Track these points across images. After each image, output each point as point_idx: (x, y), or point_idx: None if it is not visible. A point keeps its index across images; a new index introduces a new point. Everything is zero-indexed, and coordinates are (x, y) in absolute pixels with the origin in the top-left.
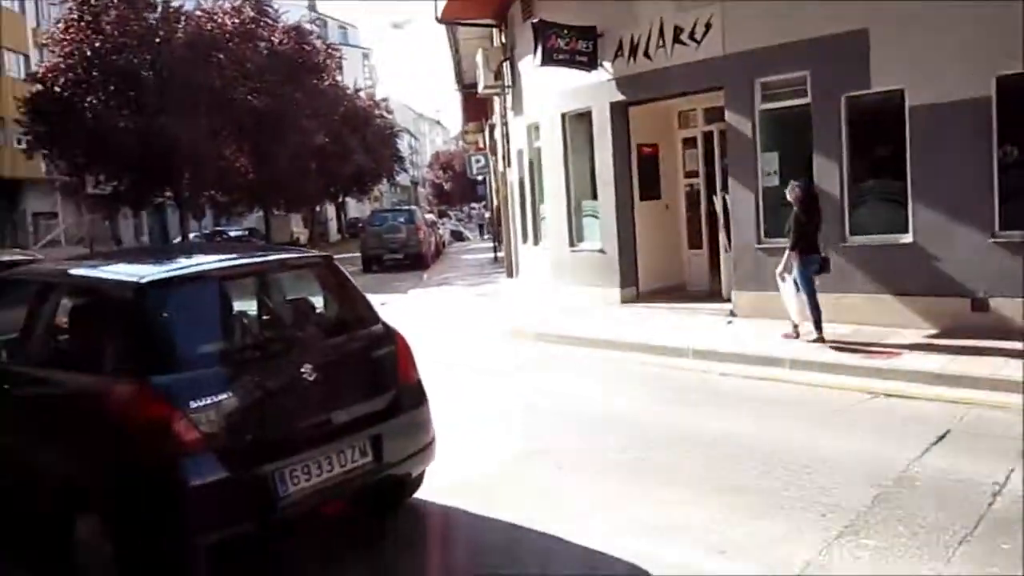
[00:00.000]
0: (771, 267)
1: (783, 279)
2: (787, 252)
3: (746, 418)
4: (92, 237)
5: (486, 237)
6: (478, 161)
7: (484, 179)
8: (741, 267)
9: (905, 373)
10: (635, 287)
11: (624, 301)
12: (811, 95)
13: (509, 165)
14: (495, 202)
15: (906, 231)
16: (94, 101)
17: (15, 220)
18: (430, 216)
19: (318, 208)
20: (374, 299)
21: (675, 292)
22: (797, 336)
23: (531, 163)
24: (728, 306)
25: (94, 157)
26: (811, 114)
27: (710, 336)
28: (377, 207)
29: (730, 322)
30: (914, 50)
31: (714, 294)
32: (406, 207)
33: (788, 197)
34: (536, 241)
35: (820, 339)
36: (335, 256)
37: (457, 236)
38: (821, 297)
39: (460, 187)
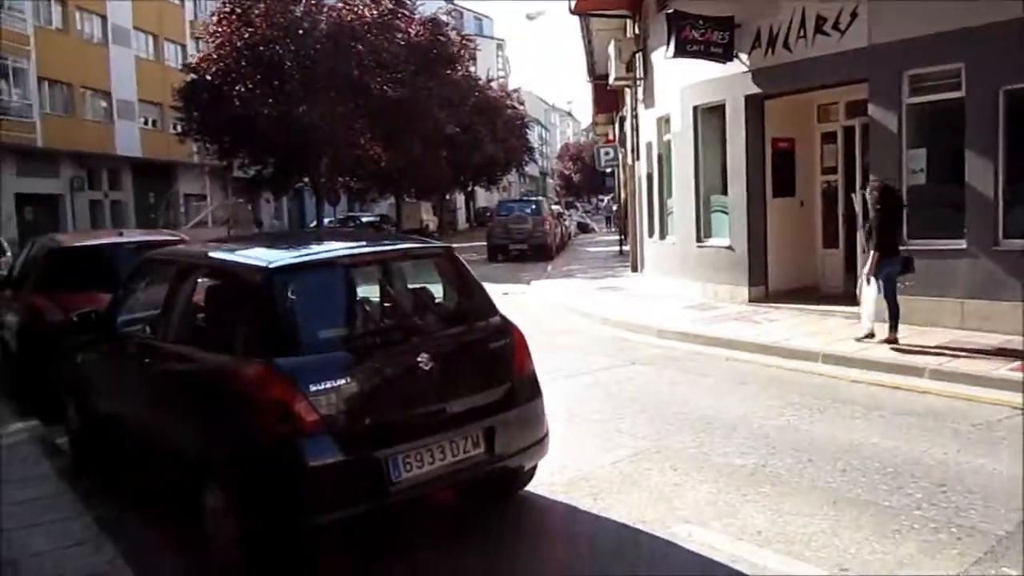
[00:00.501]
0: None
1: (868, 281)
2: (871, 254)
3: (878, 428)
4: (235, 219)
5: (612, 230)
6: (607, 153)
7: (612, 172)
8: None
9: None
10: (764, 286)
11: (752, 300)
12: (965, 88)
13: (638, 158)
14: (622, 195)
15: None
16: (241, 89)
17: (169, 200)
18: (556, 207)
19: (448, 196)
20: (496, 289)
21: (807, 293)
22: (872, 336)
23: (660, 156)
24: None
25: (240, 143)
26: (964, 108)
27: (843, 341)
28: (505, 197)
29: None
30: None
31: (849, 296)
32: (533, 198)
33: (867, 197)
34: (663, 235)
35: (894, 339)
36: (462, 244)
37: (583, 228)
38: (969, 304)
39: (588, 179)
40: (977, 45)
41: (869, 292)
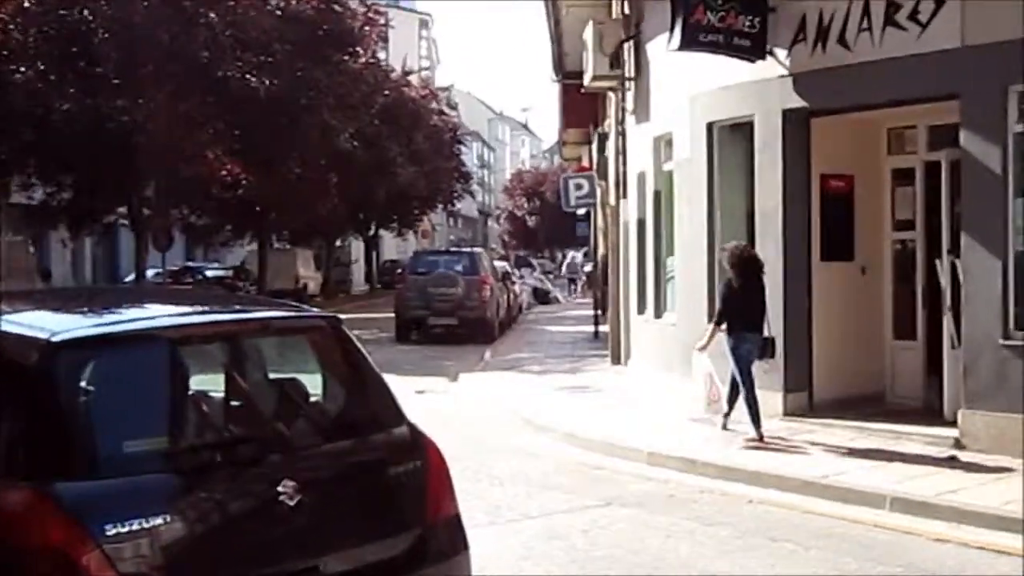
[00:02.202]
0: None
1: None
2: (711, 327)
3: None
4: (8, 267)
5: (581, 298)
6: (579, 187)
7: (587, 214)
8: (975, 372)
9: None
10: (807, 392)
11: (789, 413)
12: None
13: (624, 195)
14: (600, 249)
15: None
16: (27, 72)
17: None
18: (502, 264)
19: (340, 242)
20: (407, 384)
21: (869, 405)
22: (725, 426)
23: (658, 195)
24: (951, 432)
25: (23, 153)
26: None
27: (922, 478)
28: (425, 247)
29: (954, 457)
30: None
31: (931, 412)
32: (467, 250)
33: (722, 261)
34: (658, 312)
35: (759, 438)
36: (358, 314)
37: (542, 297)
38: None
39: (551, 223)
40: None
41: (700, 367)
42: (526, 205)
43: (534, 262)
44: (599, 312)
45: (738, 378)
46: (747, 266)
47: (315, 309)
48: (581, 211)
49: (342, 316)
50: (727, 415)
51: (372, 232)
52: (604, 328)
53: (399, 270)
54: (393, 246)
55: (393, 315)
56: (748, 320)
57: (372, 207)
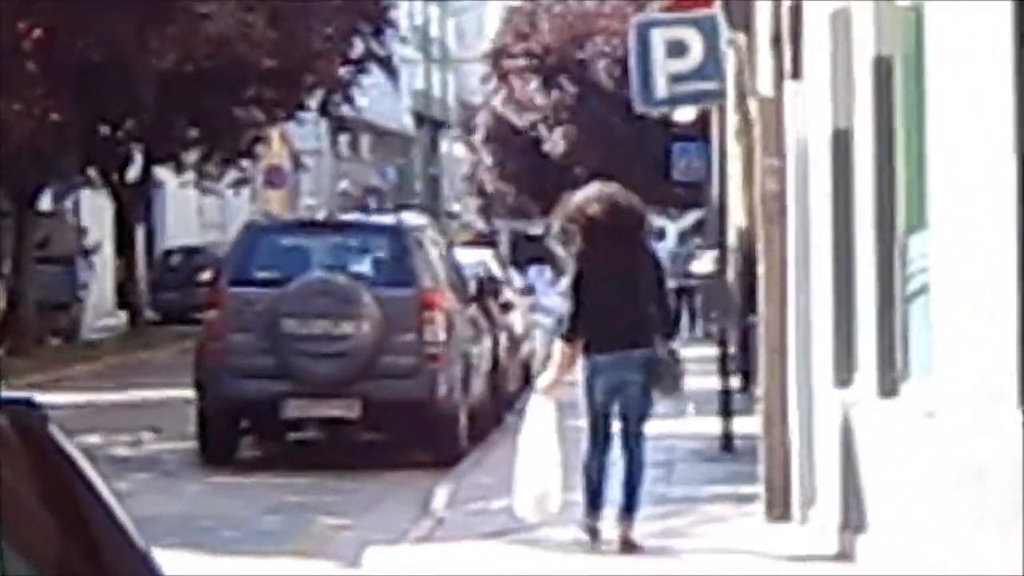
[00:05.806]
0: None
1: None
2: (556, 349)
3: None
4: None
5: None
6: (676, 51)
7: (701, 121)
8: None
9: None
10: None
11: None
12: None
13: (799, 72)
14: (736, 216)
15: None
16: None
17: None
18: (477, 259)
19: (46, 204)
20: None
21: None
22: (593, 537)
23: (883, 67)
24: None
25: None
26: None
27: None
28: (273, 213)
29: None
30: None
31: None
32: (383, 220)
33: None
34: (890, 378)
35: (627, 539)
36: (95, 396)
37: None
38: None
39: (608, 149)
40: None
41: (534, 429)
42: (539, 99)
43: (564, 254)
44: (735, 382)
45: (585, 440)
46: (600, 229)
47: None
48: (684, 115)
49: (50, 401)
50: (591, 516)
51: (137, 176)
52: (750, 423)
53: (205, 273)
54: (192, 214)
55: (194, 394)
56: (605, 327)
57: (131, 107)
